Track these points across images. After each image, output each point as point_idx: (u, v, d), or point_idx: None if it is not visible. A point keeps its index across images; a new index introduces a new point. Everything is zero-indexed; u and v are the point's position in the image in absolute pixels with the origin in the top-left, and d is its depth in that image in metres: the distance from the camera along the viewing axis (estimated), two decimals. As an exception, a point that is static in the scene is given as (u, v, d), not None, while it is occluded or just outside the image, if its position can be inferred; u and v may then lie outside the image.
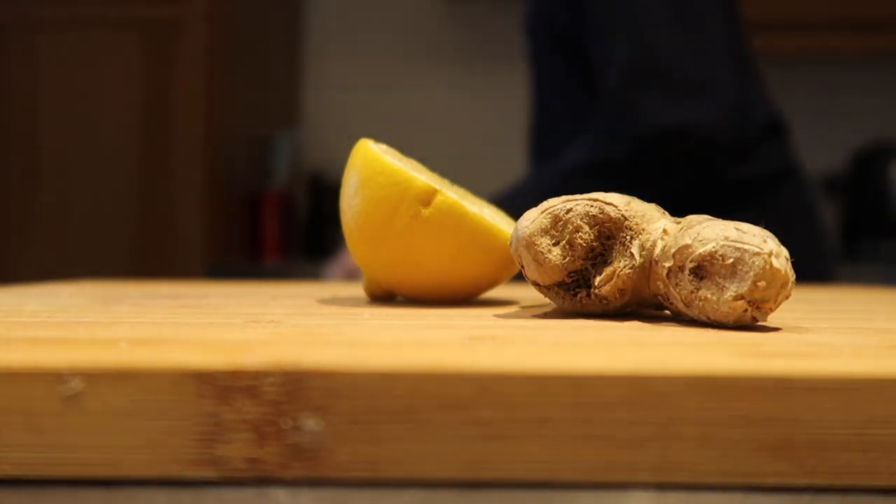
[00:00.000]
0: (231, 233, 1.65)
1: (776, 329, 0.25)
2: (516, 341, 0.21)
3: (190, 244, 1.71)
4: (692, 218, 0.27)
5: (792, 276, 0.24)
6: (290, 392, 0.18)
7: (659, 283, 0.27)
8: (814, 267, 0.70)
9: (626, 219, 0.27)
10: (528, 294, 0.39)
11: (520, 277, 0.70)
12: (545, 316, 0.29)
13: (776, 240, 0.24)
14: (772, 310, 0.25)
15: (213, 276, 1.50)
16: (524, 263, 0.28)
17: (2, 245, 1.75)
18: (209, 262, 1.60)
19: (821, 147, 1.80)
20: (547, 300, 0.36)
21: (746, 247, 0.24)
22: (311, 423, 0.18)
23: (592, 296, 0.28)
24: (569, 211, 0.28)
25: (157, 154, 1.69)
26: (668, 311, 0.28)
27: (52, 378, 0.18)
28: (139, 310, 0.30)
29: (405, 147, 0.57)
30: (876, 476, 0.18)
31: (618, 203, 0.27)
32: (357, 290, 0.43)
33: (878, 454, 0.18)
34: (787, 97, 1.77)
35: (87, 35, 1.71)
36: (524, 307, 0.33)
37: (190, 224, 1.71)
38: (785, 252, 0.24)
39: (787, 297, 0.25)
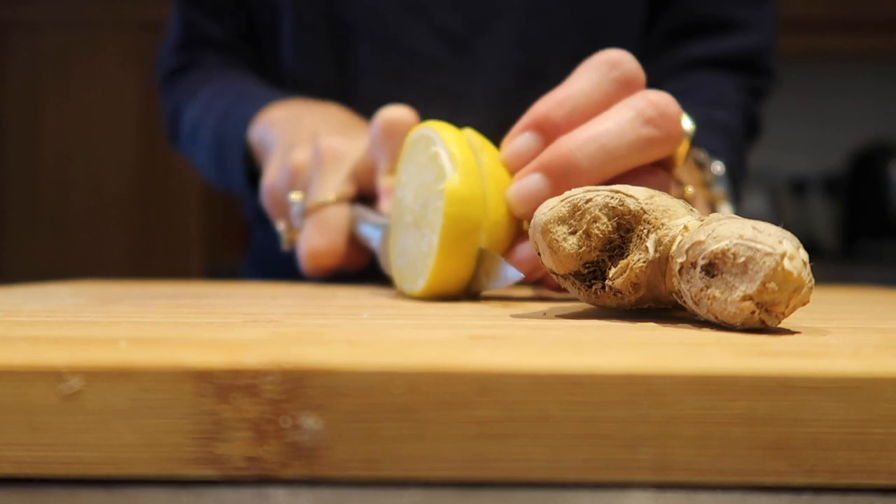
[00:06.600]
0: (231, 233, 1.65)
1: (776, 329, 0.25)
2: (516, 341, 0.21)
3: (190, 244, 1.71)
4: (714, 215, 0.26)
5: (809, 280, 0.23)
6: (289, 391, 0.18)
7: (674, 279, 0.26)
8: None
9: (645, 212, 0.27)
10: (528, 294, 0.39)
11: None
12: (545, 316, 0.29)
13: (796, 242, 0.23)
14: (784, 314, 0.24)
15: (213, 276, 1.50)
16: (540, 250, 0.28)
17: (2, 245, 1.75)
18: (209, 262, 1.60)
19: (821, 147, 1.80)
20: (547, 300, 0.36)
21: (759, 246, 0.23)
22: (310, 422, 0.18)
23: (607, 288, 0.28)
24: (588, 201, 0.27)
25: (156, 154, 1.69)
26: (685, 310, 0.28)
27: (51, 377, 0.18)
28: (139, 310, 0.30)
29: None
30: (875, 475, 0.18)
31: (639, 196, 0.27)
32: (356, 290, 0.43)
33: (878, 453, 0.18)
34: (788, 97, 1.77)
35: (87, 35, 1.72)
36: (524, 307, 0.33)
37: (190, 224, 1.71)
38: (803, 255, 0.23)
39: (803, 303, 0.23)
